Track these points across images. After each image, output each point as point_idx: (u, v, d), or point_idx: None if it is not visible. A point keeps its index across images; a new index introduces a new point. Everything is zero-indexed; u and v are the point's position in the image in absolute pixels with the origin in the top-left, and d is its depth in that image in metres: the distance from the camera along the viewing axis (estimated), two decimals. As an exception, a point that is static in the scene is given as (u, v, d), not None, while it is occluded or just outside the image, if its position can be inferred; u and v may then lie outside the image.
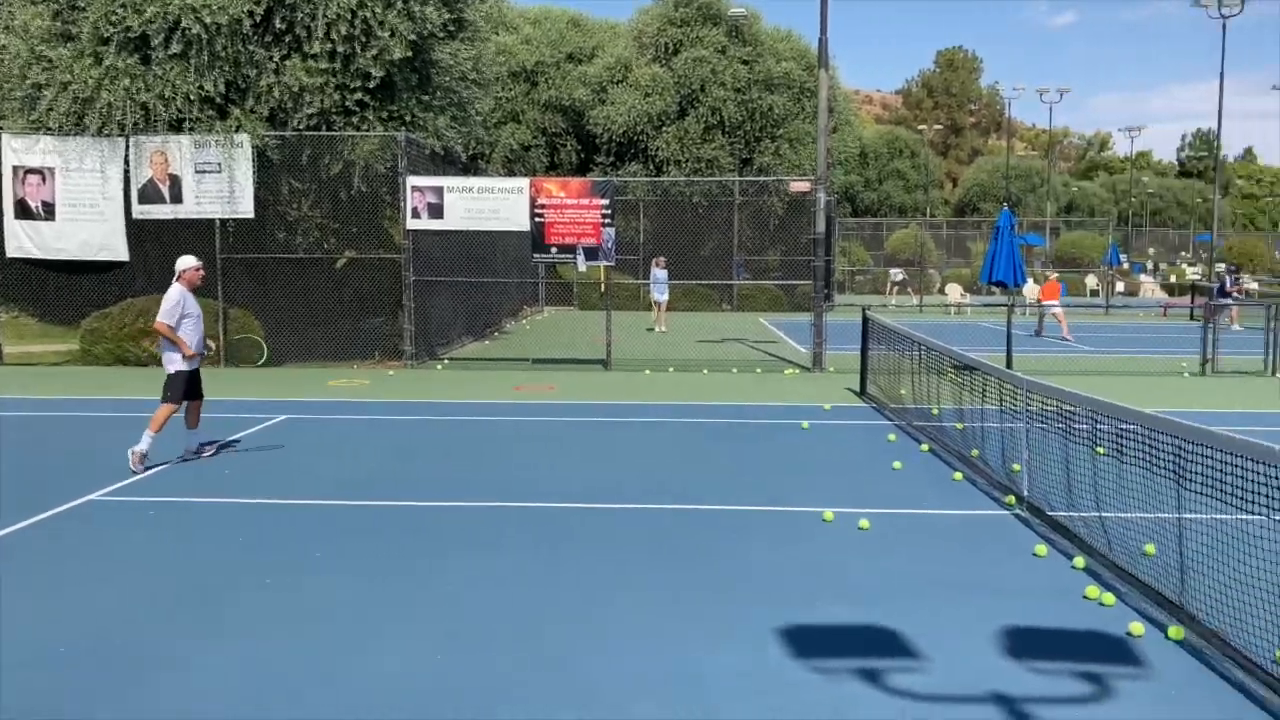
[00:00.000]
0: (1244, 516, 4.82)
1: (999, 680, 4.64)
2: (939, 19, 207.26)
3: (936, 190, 78.65)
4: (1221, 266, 32.22)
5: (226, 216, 16.67)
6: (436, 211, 16.87)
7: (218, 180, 16.48)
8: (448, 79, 18.06)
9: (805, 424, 11.64)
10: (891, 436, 10.89)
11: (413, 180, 16.79)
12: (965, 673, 4.73)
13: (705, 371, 16.81)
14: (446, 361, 18.00)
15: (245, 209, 16.62)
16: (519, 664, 4.85)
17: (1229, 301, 25.02)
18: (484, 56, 20.36)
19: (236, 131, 16.25)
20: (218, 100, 16.17)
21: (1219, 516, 5.10)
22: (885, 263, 47.69)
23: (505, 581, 6.07)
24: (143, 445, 8.99)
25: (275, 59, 16.23)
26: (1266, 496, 4.54)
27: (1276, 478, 4.47)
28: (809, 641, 5.12)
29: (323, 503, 7.97)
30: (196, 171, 16.47)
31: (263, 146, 16.38)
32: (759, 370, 17.15)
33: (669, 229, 32.46)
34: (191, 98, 15.95)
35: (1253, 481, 4.68)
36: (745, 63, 35.57)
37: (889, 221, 61.46)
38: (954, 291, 36.04)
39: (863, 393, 14.18)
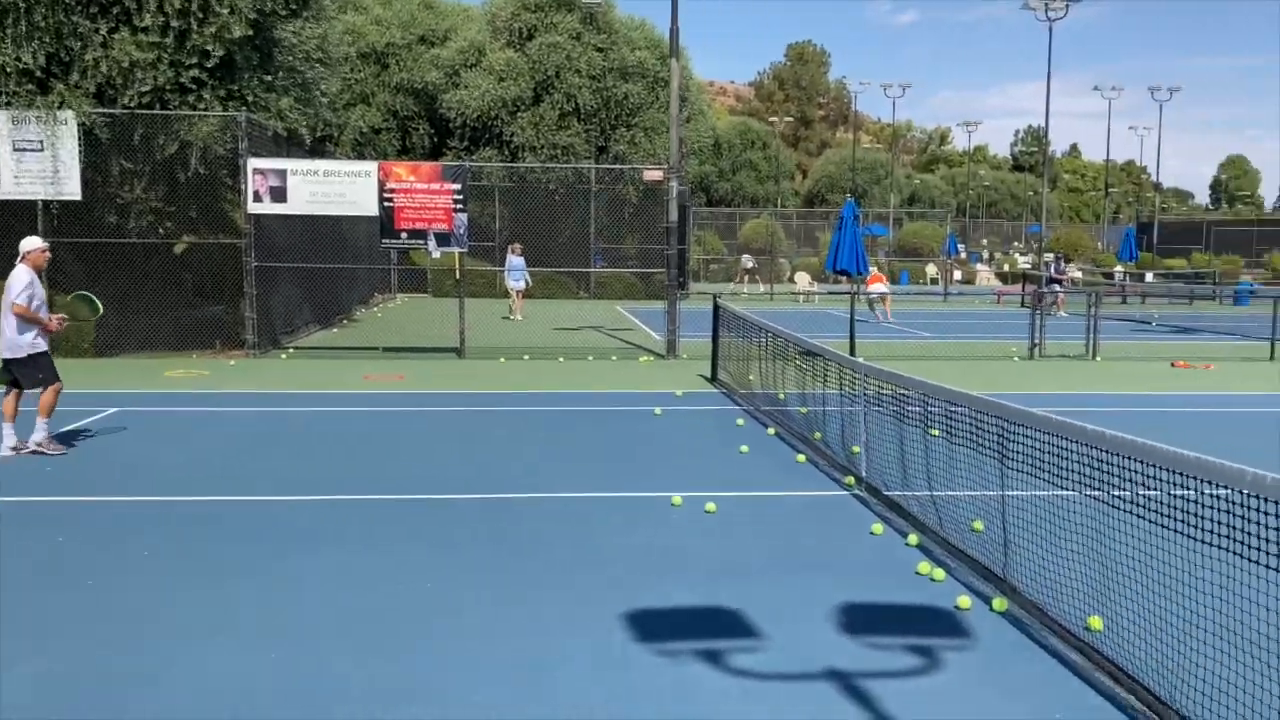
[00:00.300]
0: (1059, 492, 5.11)
1: (835, 657, 4.78)
2: (789, 14, 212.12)
3: (787, 181, 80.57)
4: (1050, 256, 34.03)
5: (50, 198, 15.68)
6: (279, 195, 16.29)
7: (39, 159, 15.49)
8: (291, 58, 17.43)
9: (658, 410, 11.75)
10: (740, 421, 11.11)
11: (254, 163, 16.16)
12: (803, 650, 4.86)
13: (561, 359, 16.79)
14: (291, 351, 17.43)
15: (71, 190, 15.67)
16: (359, 661, 4.74)
17: (1058, 289, 26.51)
18: (330, 36, 19.73)
19: (60, 108, 15.30)
20: (38, 74, 15.18)
21: (1037, 493, 5.39)
22: (738, 252, 48.57)
23: (346, 577, 5.92)
24: (39, 435, 8.81)
25: (102, 31, 15.33)
26: (1079, 473, 4.82)
27: (1088, 455, 4.74)
28: (654, 625, 5.17)
29: (154, 499, 7.61)
30: (15, 149, 15.44)
31: (90, 124, 15.46)
32: (614, 357, 17.23)
33: (525, 216, 32.21)
34: (8, 70, 14.94)
35: (1067, 459, 4.96)
36: (600, 50, 35.56)
37: (742, 211, 62.64)
38: (802, 280, 37.01)
39: (714, 379, 14.42)
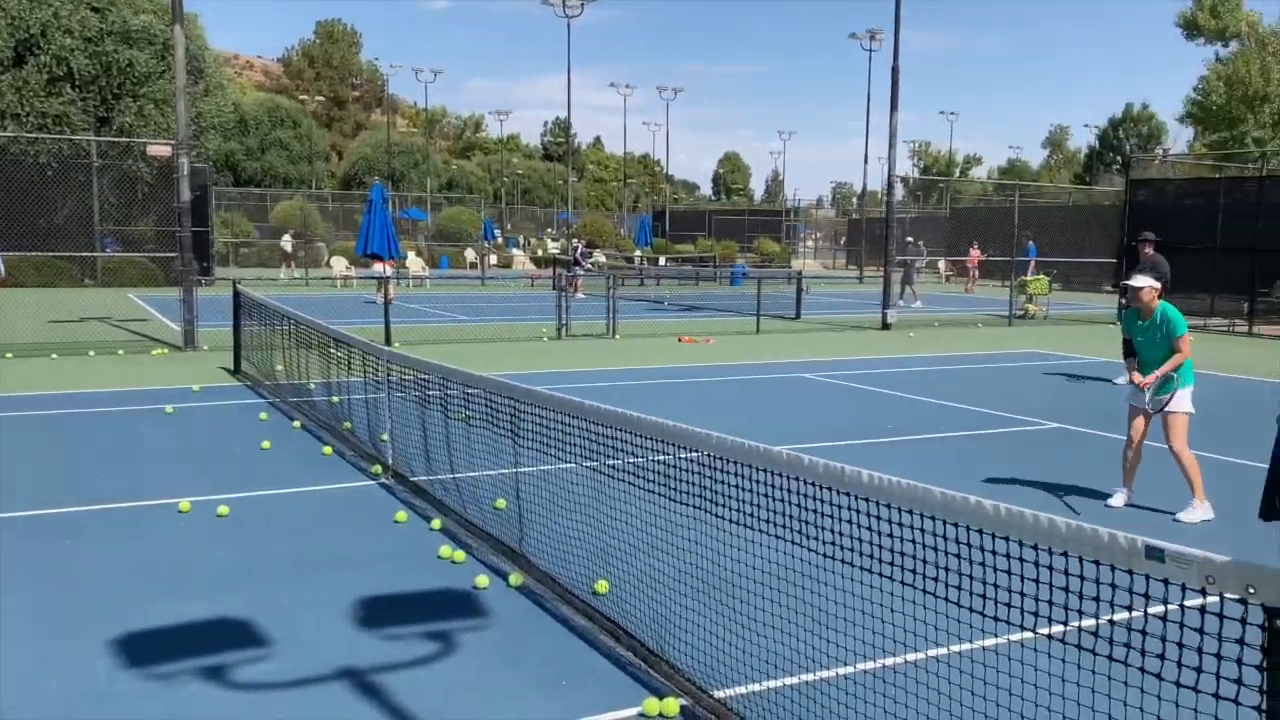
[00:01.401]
0: (564, 465, 5.34)
1: (351, 655, 4.62)
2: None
3: (322, 162, 77.99)
4: (576, 242, 35.99)
5: None
6: None
7: None
8: None
9: (170, 408, 10.77)
10: (264, 415, 10.50)
11: None
12: (317, 653, 4.64)
13: (54, 356, 14.84)
14: None
15: None
16: None
17: (581, 272, 28.15)
18: None
19: None
20: None
21: (545, 467, 5.60)
22: (272, 235, 46.16)
23: None
24: None
25: None
26: (579, 446, 5.06)
27: (585, 428, 4.99)
28: (146, 648, 4.67)
29: None
30: None
31: None
32: (121, 352, 15.56)
33: (10, 193, 28.04)
34: None
35: (569, 433, 5.18)
36: (96, 10, 31.84)
37: (274, 192, 59.62)
38: (339, 264, 36.02)
39: (237, 371, 13.52)
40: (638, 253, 44.76)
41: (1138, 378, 7.31)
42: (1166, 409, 7.13)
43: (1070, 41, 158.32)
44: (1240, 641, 2.17)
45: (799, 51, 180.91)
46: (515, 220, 77.76)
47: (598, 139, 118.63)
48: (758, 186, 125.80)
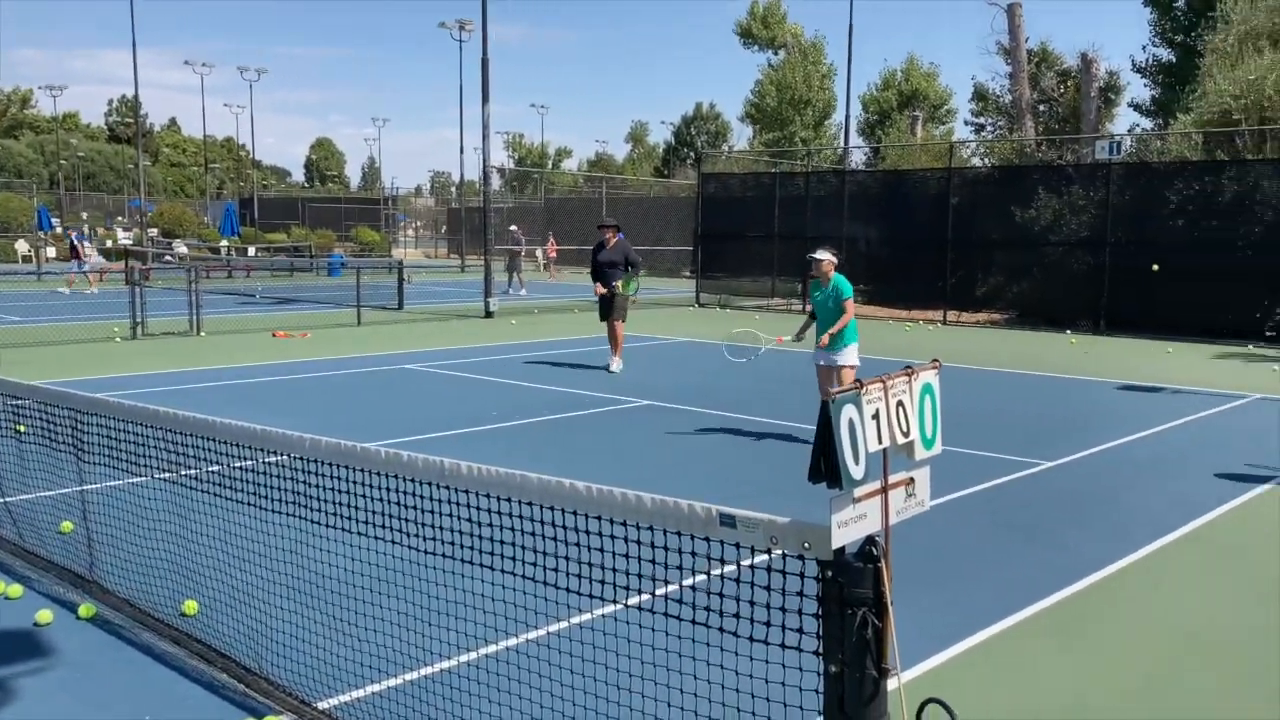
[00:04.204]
0: (136, 479, 4.86)
1: None
2: None
3: None
4: (71, 232, 32.80)
5: None
6: None
7: None
8: None
9: None
10: None
11: None
12: None
13: None
14: None
15: None
16: None
17: (86, 267, 26.09)
18: None
19: None
20: None
21: (114, 483, 5.06)
22: None
23: None
24: None
25: None
26: (154, 456, 4.62)
27: (159, 437, 4.57)
28: None
29: None
30: None
31: None
32: None
33: None
34: None
35: (142, 444, 4.72)
36: None
37: None
38: None
39: None
40: (224, 243, 41.89)
41: (825, 340, 8.54)
42: (837, 363, 8.48)
43: (647, 42, 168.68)
44: (800, 594, 2.41)
45: (390, 37, 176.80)
46: (78, 208, 69.65)
47: (174, 120, 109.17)
48: (354, 174, 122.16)
